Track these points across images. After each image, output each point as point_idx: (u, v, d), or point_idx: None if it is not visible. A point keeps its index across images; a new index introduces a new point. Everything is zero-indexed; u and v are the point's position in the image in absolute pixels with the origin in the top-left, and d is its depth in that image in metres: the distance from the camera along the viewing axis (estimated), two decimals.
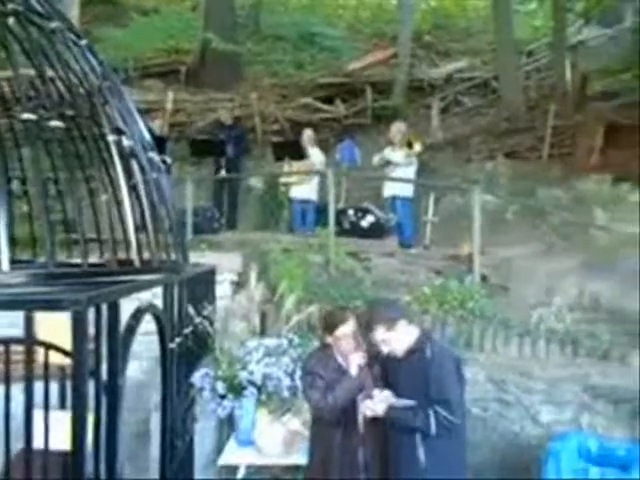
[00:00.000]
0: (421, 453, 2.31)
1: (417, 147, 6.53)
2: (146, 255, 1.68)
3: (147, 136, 2.00)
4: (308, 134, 7.06)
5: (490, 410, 3.71)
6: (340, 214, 6.00)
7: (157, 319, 1.78)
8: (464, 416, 2.41)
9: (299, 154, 6.66)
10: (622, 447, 3.03)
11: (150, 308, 1.68)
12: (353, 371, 2.63)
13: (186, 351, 2.86)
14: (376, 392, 2.50)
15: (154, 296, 1.89)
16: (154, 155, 2.01)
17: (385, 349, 2.46)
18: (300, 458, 3.04)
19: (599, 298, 4.73)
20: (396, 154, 6.52)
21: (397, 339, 2.43)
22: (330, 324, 2.74)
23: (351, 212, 6.11)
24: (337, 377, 2.63)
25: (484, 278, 5.12)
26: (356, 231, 5.99)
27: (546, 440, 3.37)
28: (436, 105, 9.35)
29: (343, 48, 11.97)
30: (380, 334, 2.43)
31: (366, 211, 6.14)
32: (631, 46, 7.61)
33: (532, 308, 4.58)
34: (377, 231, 6.01)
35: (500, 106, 9.26)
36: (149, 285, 1.62)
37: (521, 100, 8.98)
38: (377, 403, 2.46)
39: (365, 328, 2.50)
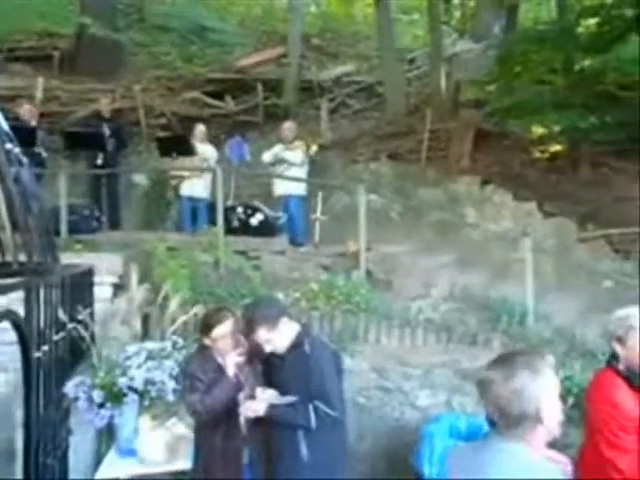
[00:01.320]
0: (303, 448, 2.35)
1: (314, 148, 6.67)
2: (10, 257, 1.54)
3: (4, 126, 1.83)
4: (200, 129, 6.87)
5: (374, 398, 3.91)
6: (229, 212, 5.92)
7: (16, 326, 1.63)
8: (344, 408, 2.50)
9: (187, 150, 6.46)
10: (486, 423, 3.34)
11: (7, 315, 1.53)
12: (230, 371, 2.61)
13: (57, 359, 2.65)
14: (258, 391, 2.51)
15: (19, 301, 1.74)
16: (13, 147, 1.84)
17: (268, 348, 2.47)
18: (186, 463, 2.96)
19: (469, 289, 5.17)
20: (293, 153, 6.60)
21: (280, 338, 2.45)
22: (207, 325, 2.70)
23: (240, 210, 6.05)
24: (217, 378, 2.60)
25: (369, 273, 5.35)
26: (245, 229, 5.95)
27: (423, 423, 3.62)
28: (325, 106, 9.59)
29: (234, 43, 11.83)
30: (263, 334, 2.43)
31: (255, 209, 6.12)
32: (496, 60, 8.41)
33: (412, 300, 4.90)
34: (267, 229, 6.02)
35: (384, 110, 9.76)
36: (3, 290, 1.48)
37: (403, 105, 9.53)
38: (257, 403, 2.46)
39: (247, 329, 2.50)
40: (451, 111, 8.92)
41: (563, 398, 1.65)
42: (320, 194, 6.46)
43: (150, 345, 3.24)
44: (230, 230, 5.66)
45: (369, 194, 6.06)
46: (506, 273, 5.60)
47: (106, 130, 6.71)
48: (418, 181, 7.83)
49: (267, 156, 6.73)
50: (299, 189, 6.53)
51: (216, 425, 2.60)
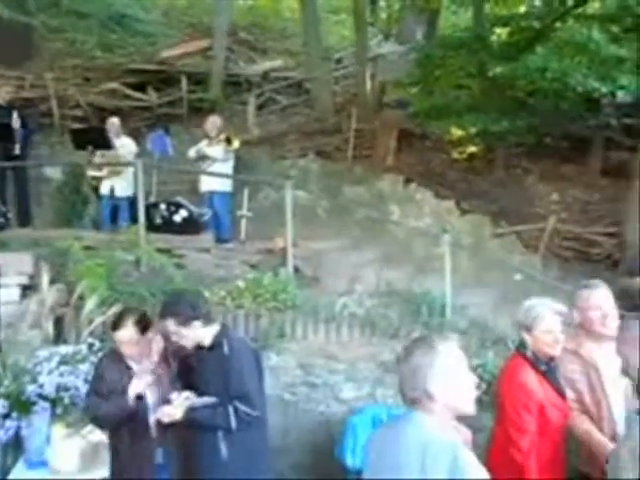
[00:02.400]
0: (223, 448, 2.33)
1: (236, 143, 6.55)
2: None
3: None
4: (113, 122, 6.51)
5: (300, 394, 3.94)
6: (151, 209, 5.72)
7: None
8: (265, 407, 2.49)
9: (104, 143, 6.14)
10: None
11: None
12: (132, 391, 2.52)
13: None
14: (174, 396, 2.44)
15: None
16: None
17: (174, 338, 2.40)
18: (105, 471, 2.83)
19: (393, 284, 5.34)
20: (214, 149, 6.45)
21: (190, 334, 2.39)
22: (111, 328, 2.60)
23: (163, 207, 5.85)
24: (121, 379, 2.53)
25: (296, 270, 5.37)
26: (169, 227, 5.76)
27: (348, 415, 3.69)
28: (252, 101, 9.50)
29: (157, 34, 11.41)
30: (172, 326, 2.37)
31: (179, 206, 5.94)
32: (417, 64, 8.72)
33: (338, 296, 4.98)
34: (191, 226, 5.87)
35: (312, 107, 9.82)
36: None
37: (330, 103, 9.64)
38: (175, 408, 2.40)
39: (160, 317, 2.44)
40: (376, 111, 9.14)
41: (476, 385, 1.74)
42: (246, 190, 6.39)
43: (63, 349, 3.07)
44: (152, 227, 5.47)
45: (296, 191, 6.07)
46: (427, 268, 5.85)
47: (15, 121, 6.24)
48: (344, 178, 7.96)
49: (192, 152, 6.57)
50: (224, 185, 6.42)
51: (123, 426, 2.53)
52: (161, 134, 7.04)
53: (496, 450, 2.39)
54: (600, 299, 2.48)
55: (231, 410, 2.30)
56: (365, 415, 3.44)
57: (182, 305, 2.45)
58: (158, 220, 5.75)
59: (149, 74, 9.62)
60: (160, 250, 4.94)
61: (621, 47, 6.12)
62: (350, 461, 3.27)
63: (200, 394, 2.41)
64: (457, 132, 8.62)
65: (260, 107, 9.88)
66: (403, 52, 10.22)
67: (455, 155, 8.86)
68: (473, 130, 7.92)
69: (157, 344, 2.58)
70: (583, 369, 2.46)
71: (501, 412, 2.42)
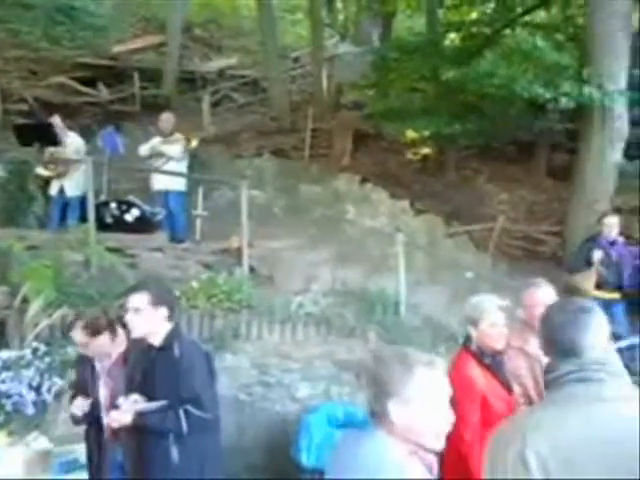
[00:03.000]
0: (174, 452, 2.29)
1: (194, 143, 6.43)
2: None
3: None
4: (55, 122, 6.20)
5: (255, 394, 3.92)
6: (101, 207, 5.55)
7: None
8: (218, 409, 2.47)
9: (52, 140, 5.90)
10: (362, 411, 3.51)
11: None
12: (78, 410, 2.52)
13: None
14: (121, 400, 2.39)
15: None
16: None
17: (130, 321, 2.36)
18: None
19: (348, 283, 5.39)
20: (172, 147, 6.30)
21: (149, 318, 2.34)
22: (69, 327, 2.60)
23: (114, 205, 5.70)
24: (85, 380, 2.54)
25: (252, 270, 5.35)
26: (120, 226, 5.62)
27: (303, 414, 3.71)
28: (207, 99, 9.38)
29: (108, 28, 11.08)
30: (140, 301, 2.32)
31: (131, 204, 5.80)
32: (372, 66, 8.85)
33: (294, 295, 4.98)
34: (144, 225, 5.74)
35: (269, 105, 9.79)
36: None
37: (287, 102, 9.64)
38: (123, 413, 2.35)
39: (134, 292, 2.39)
40: (333, 111, 9.22)
41: None
42: (201, 189, 6.30)
43: (5, 354, 2.94)
44: (103, 227, 5.32)
45: (252, 190, 6.03)
46: (382, 267, 5.93)
47: None
48: (301, 177, 7.98)
49: (144, 149, 6.38)
50: (178, 184, 6.28)
51: (90, 426, 2.55)
52: (111, 132, 6.85)
53: (448, 446, 2.45)
54: (544, 297, 2.59)
55: (182, 414, 2.26)
56: (320, 413, 3.45)
57: (159, 286, 2.46)
58: (109, 219, 5.60)
59: (100, 69, 9.34)
60: (111, 250, 4.81)
61: (563, 55, 6.41)
62: (305, 460, 3.28)
63: (151, 397, 2.36)
64: (411, 134, 8.80)
65: (216, 105, 9.77)
66: (359, 53, 10.36)
67: (409, 156, 9.04)
68: (426, 132, 8.09)
69: (120, 345, 2.56)
70: (529, 364, 2.56)
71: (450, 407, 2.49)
